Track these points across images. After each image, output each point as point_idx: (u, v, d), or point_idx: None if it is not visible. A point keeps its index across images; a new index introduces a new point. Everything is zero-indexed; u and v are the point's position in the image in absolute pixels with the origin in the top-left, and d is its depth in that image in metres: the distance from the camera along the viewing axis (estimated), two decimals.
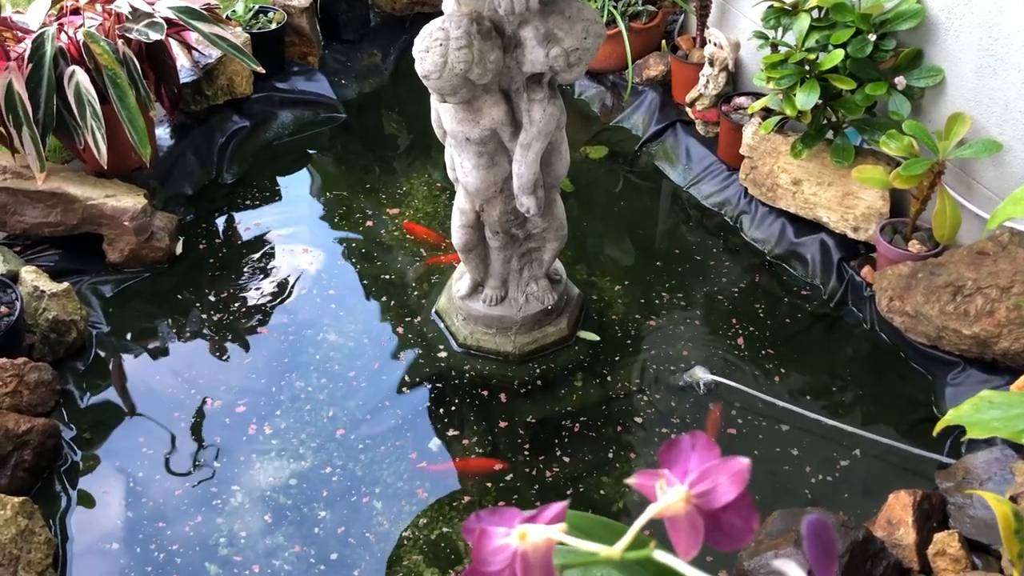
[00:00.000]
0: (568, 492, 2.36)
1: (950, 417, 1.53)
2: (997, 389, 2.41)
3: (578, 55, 2.11)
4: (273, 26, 3.61)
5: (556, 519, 0.66)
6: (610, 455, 2.47)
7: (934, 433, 1.56)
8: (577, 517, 0.82)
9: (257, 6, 3.68)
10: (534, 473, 2.42)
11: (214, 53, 3.35)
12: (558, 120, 2.26)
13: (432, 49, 2.04)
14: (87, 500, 2.33)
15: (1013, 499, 1.89)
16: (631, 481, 0.71)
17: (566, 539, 0.61)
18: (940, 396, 2.51)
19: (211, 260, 3.08)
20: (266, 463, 2.43)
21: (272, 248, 3.16)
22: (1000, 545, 1.95)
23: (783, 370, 2.68)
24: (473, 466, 2.46)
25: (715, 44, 3.26)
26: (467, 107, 2.21)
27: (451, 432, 2.53)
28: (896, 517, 2.03)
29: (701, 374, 2.63)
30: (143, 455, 2.45)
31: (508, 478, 2.40)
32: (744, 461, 0.67)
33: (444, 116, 2.28)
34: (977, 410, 1.54)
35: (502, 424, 2.54)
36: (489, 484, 2.39)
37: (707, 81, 3.31)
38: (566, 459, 2.45)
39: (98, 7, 2.95)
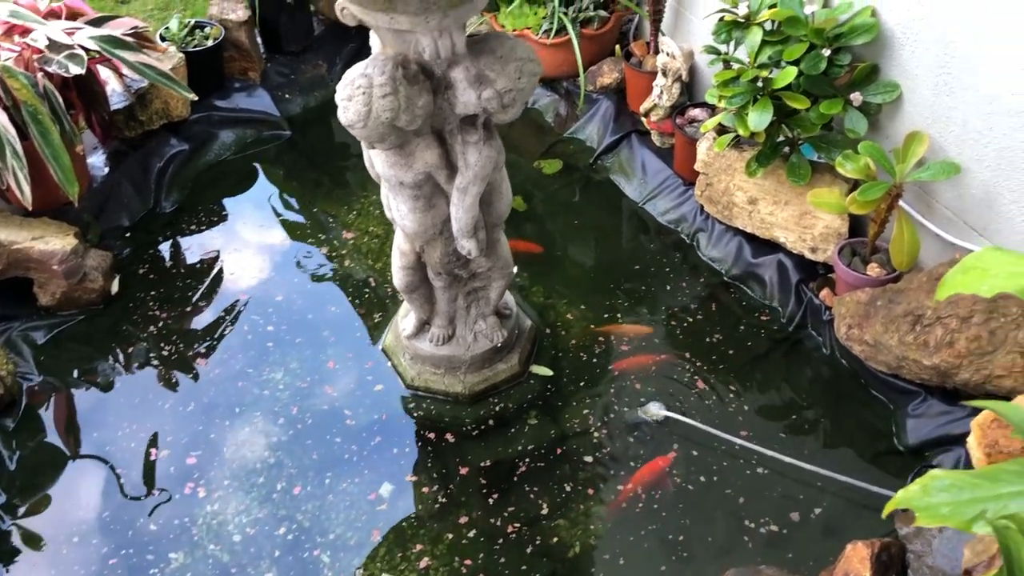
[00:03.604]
0: (527, 550, 2.27)
1: (899, 499, 1.46)
2: (958, 421, 2.34)
3: (512, 96, 2.00)
4: (210, 43, 3.45)
5: None
6: (567, 494, 2.39)
7: (883, 515, 1.49)
8: None
9: (193, 21, 3.52)
10: (498, 524, 2.33)
11: None
12: (495, 162, 2.14)
13: (355, 98, 1.91)
14: (15, 574, 2.22)
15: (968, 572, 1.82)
16: None
17: None
18: (901, 427, 2.44)
19: (150, 295, 2.96)
20: (209, 520, 2.34)
21: (217, 278, 3.04)
22: None
23: (742, 398, 2.60)
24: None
25: (668, 54, 3.14)
26: (399, 151, 2.09)
27: (408, 478, 2.44)
28: (854, 571, 1.97)
29: (655, 410, 2.54)
30: (76, 519, 2.34)
31: (471, 534, 2.31)
32: None
33: (376, 160, 2.16)
34: (926, 492, 1.46)
35: (462, 470, 2.44)
36: (450, 535, 2.31)
37: (661, 92, 3.19)
38: (522, 503, 2.37)
39: (16, 38, 2.79)
